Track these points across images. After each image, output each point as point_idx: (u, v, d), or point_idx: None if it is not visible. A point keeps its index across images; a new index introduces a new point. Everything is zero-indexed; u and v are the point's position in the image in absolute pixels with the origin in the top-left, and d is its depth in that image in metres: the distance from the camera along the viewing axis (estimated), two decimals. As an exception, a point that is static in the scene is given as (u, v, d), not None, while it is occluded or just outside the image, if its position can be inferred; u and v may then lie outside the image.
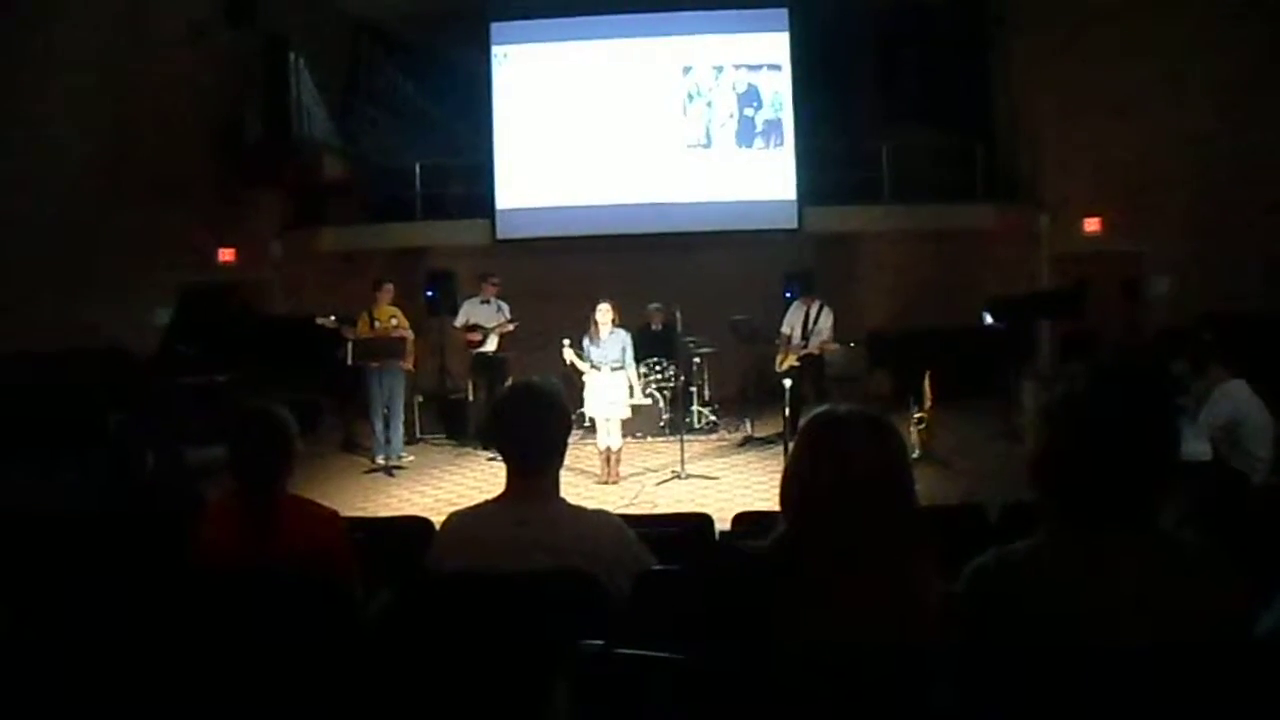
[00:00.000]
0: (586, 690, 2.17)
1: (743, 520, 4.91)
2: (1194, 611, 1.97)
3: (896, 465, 2.12)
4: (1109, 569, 1.99)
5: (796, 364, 11.53)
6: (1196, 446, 6.53)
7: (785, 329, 11.90)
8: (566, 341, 10.58)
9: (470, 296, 12.71)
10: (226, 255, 14.17)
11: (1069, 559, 2.04)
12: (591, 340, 10.53)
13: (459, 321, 12.51)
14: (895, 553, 2.05)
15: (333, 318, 11.28)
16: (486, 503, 3.17)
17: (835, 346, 11.51)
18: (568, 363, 10.57)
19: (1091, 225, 14.42)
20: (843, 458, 2.08)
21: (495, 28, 15.23)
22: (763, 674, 1.95)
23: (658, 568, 3.07)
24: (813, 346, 11.52)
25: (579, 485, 10.14)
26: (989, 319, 12.28)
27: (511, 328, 12.41)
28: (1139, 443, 2.01)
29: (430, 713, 2.74)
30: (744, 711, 1.93)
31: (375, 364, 11.14)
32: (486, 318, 12.37)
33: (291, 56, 14.00)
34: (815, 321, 11.64)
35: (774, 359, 12.04)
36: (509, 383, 3.38)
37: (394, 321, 11.36)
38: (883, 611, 1.99)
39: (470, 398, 12.81)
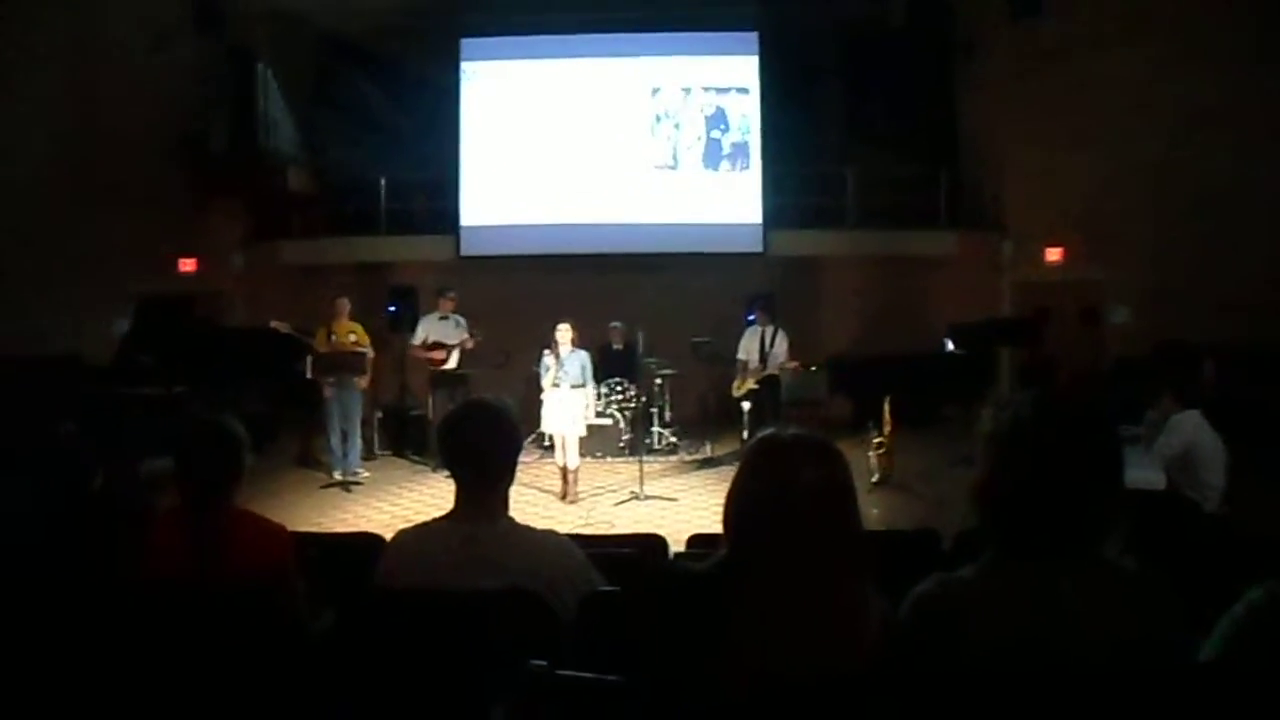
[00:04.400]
0: (530, 710, 2.15)
1: (697, 542, 4.88)
2: (1133, 639, 1.97)
3: (839, 489, 2.11)
4: (1049, 597, 1.99)
5: (755, 387, 11.60)
6: (1150, 475, 6.60)
7: (741, 355, 11.95)
8: (546, 351, 10.65)
9: (428, 314, 12.60)
10: (188, 265, 14.08)
11: (1010, 587, 2.03)
12: (552, 358, 10.57)
13: (417, 339, 12.24)
14: (836, 577, 2.04)
15: (286, 323, 11.19)
16: (435, 520, 3.15)
17: (795, 364, 11.56)
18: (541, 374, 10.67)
19: (1053, 254, 14.57)
20: (784, 481, 2.07)
21: (465, 44, 15.23)
22: (701, 698, 1.93)
23: (603, 589, 3.05)
24: (771, 368, 11.57)
25: (538, 503, 10.13)
26: (950, 345, 12.34)
27: (473, 344, 12.30)
28: (1081, 472, 2.01)
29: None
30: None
31: (332, 379, 11.05)
32: (446, 334, 12.23)
33: (259, 68, 13.95)
34: (771, 345, 11.70)
35: (733, 382, 12.07)
36: (459, 401, 3.35)
37: (352, 338, 11.25)
38: (821, 636, 1.98)
39: (431, 414, 12.67)
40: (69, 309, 11.58)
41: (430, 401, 12.40)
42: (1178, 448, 6.69)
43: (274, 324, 11.21)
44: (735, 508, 2.14)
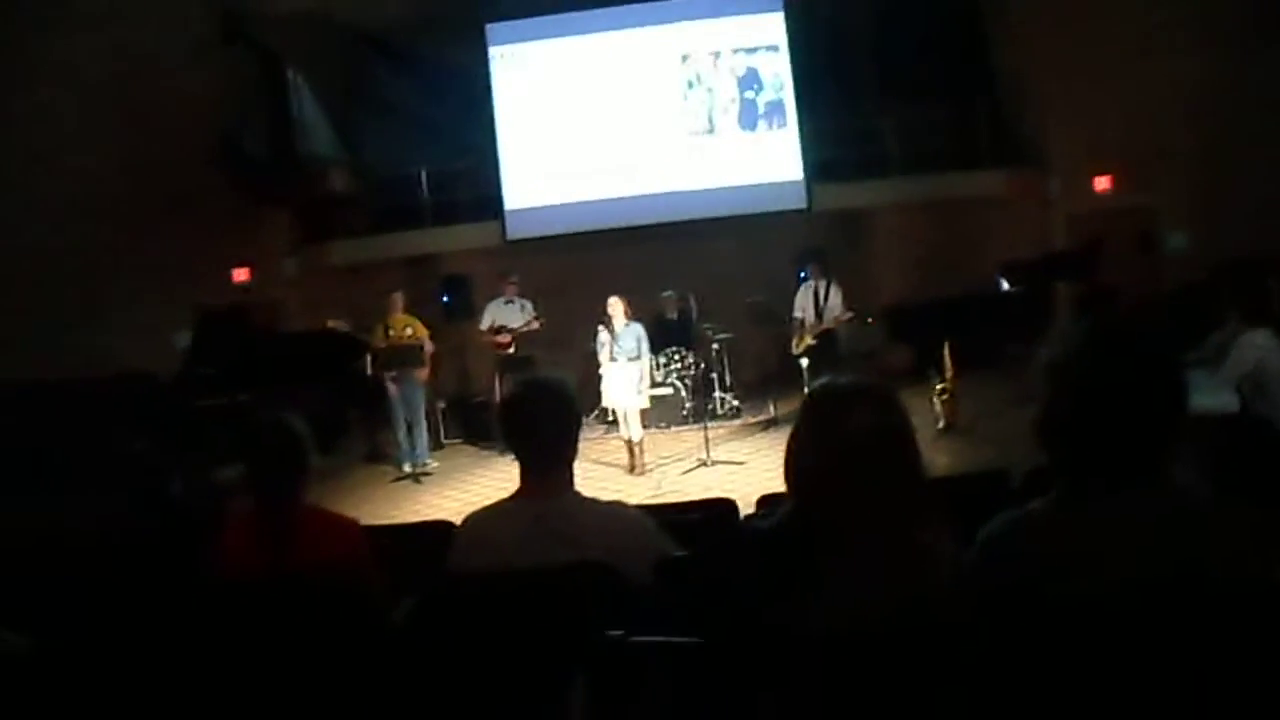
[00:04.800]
0: (608, 678, 2.17)
1: (767, 502, 4.86)
2: (1211, 563, 1.93)
3: (899, 435, 2.10)
4: (1121, 526, 1.96)
5: (813, 343, 11.58)
6: (1221, 400, 6.48)
7: (797, 313, 11.96)
8: (601, 327, 10.80)
9: (493, 298, 12.74)
10: (241, 275, 14.22)
11: (1080, 519, 2.01)
12: (607, 333, 10.63)
13: (484, 324, 12.53)
14: (901, 522, 2.03)
15: (343, 322, 11.36)
16: (502, 501, 3.17)
17: (850, 317, 11.54)
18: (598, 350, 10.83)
19: (1102, 183, 14.30)
20: (843, 430, 2.06)
21: (490, 28, 15.23)
22: (777, 652, 1.94)
23: (677, 554, 3.05)
24: (827, 322, 11.56)
25: (607, 478, 10.20)
26: (1005, 284, 12.20)
27: (538, 325, 12.44)
28: (1141, 396, 1.98)
29: (457, 712, 2.74)
30: (761, 690, 1.92)
31: (393, 373, 11.17)
32: (511, 317, 12.40)
33: (290, 73, 14.03)
34: (825, 300, 11.68)
35: (790, 341, 12.06)
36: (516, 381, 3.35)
37: (409, 331, 11.38)
38: (891, 582, 1.98)
39: (497, 399, 12.71)
40: (131, 327, 11.74)
41: (498, 386, 12.47)
42: (1248, 366, 6.57)
43: (331, 324, 11.35)
44: (796, 460, 2.14)
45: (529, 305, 12.55)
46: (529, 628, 2.76)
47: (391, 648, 3.02)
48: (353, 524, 3.65)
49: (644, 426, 10.71)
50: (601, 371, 10.75)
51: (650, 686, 2.11)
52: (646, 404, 10.86)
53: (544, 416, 3.08)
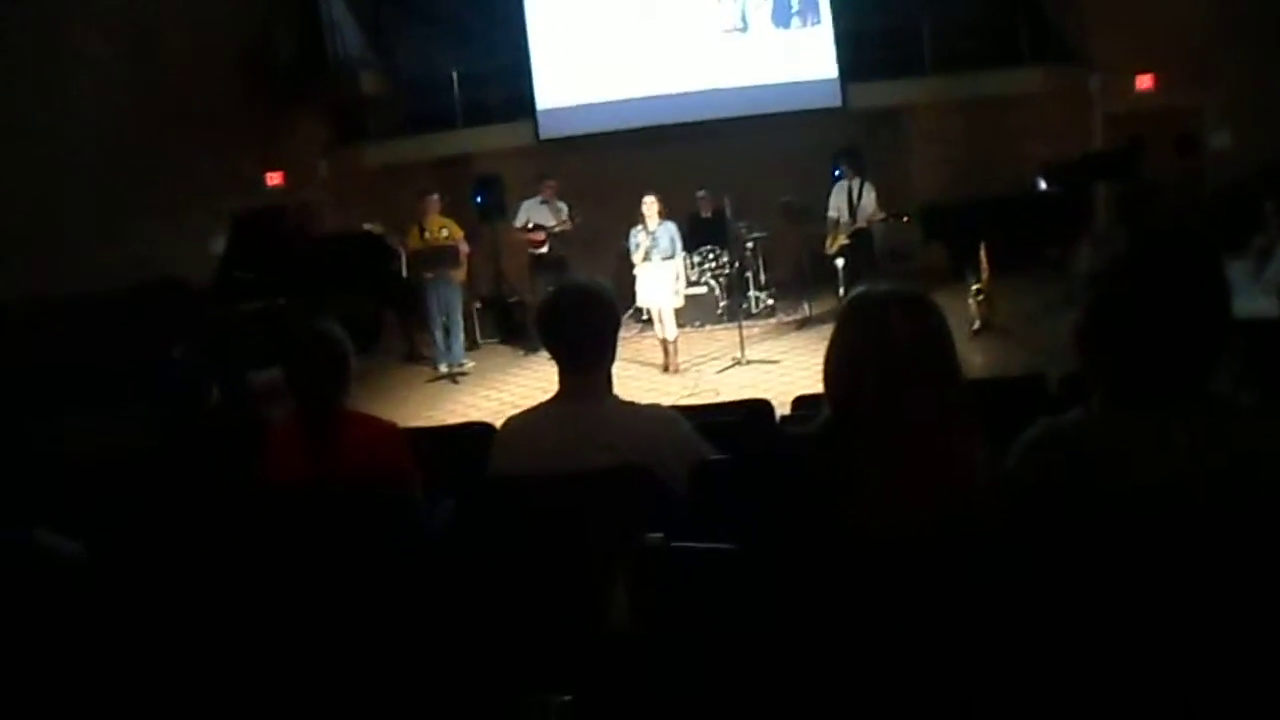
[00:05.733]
0: (649, 583, 2.21)
1: (802, 403, 4.85)
2: (1253, 473, 1.92)
3: (937, 341, 2.09)
4: (1161, 435, 1.94)
5: (847, 242, 11.54)
6: (1261, 304, 6.41)
7: (831, 212, 11.93)
8: (637, 227, 10.83)
9: (527, 197, 12.74)
10: (274, 178, 14.20)
11: (1120, 427, 1.99)
12: (644, 232, 10.63)
13: (518, 222, 12.57)
14: (940, 430, 2.03)
15: (378, 224, 11.43)
16: (541, 405, 3.19)
17: (883, 216, 11.50)
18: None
19: (1144, 82, 13.98)
20: (880, 337, 2.05)
21: (520, -76, 14.99)
22: (815, 560, 1.97)
23: (714, 458, 3.08)
24: (860, 221, 11.52)
25: (641, 377, 10.26)
26: (1043, 184, 12.03)
27: (571, 227, 12.46)
28: (1186, 306, 1.95)
29: (497, 615, 2.80)
30: (797, 595, 1.95)
31: (429, 274, 11.21)
32: (545, 217, 12.41)
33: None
34: (859, 199, 11.62)
35: (825, 240, 12.02)
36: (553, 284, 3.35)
37: (444, 232, 11.40)
38: (929, 488, 1.99)
39: (533, 299, 12.76)
40: (165, 234, 11.76)
41: (532, 286, 12.56)
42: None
43: (367, 226, 11.39)
44: (834, 368, 2.14)
45: (564, 207, 12.55)
46: (568, 531, 2.80)
47: (432, 551, 3.06)
48: (393, 427, 3.67)
49: (679, 325, 10.73)
50: (636, 271, 10.76)
51: (689, 590, 2.14)
52: (681, 303, 10.89)
53: (583, 321, 3.08)
